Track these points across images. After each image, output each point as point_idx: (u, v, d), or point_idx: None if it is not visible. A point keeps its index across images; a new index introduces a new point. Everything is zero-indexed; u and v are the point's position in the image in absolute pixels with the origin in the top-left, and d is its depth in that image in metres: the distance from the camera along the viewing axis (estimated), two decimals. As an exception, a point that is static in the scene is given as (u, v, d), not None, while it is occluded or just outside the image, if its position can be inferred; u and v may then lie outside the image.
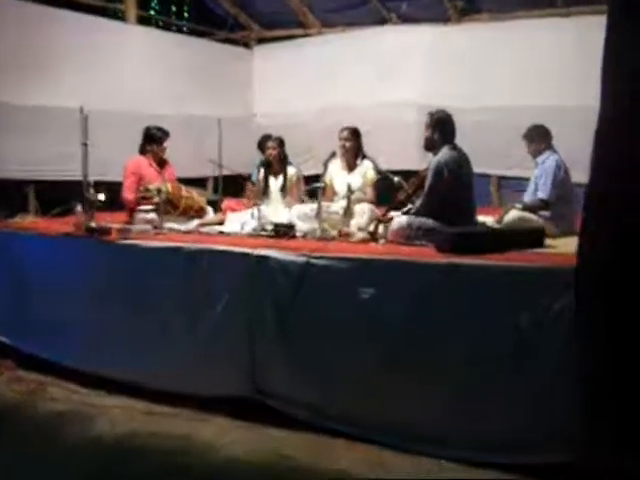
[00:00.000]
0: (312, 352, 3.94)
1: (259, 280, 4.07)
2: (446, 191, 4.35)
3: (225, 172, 6.63)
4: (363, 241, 4.45)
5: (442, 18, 8.14)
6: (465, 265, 3.59)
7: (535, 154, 5.36)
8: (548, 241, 4.35)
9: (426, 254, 3.89)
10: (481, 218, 4.88)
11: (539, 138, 5.33)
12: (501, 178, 7.94)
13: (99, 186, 5.11)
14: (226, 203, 6.48)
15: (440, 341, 3.61)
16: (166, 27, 8.66)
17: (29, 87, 6.32)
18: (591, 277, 2.76)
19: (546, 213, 5.12)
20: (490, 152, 7.01)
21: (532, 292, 3.39)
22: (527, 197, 5.38)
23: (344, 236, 4.56)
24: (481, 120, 7.26)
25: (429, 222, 4.31)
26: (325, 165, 5.12)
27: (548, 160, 5.24)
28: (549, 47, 7.12)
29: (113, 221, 5.41)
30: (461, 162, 4.48)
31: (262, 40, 9.42)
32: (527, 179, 5.60)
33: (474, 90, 7.48)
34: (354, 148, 5.47)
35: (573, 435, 2.88)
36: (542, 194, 5.17)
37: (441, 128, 4.53)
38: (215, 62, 8.48)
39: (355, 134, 5.48)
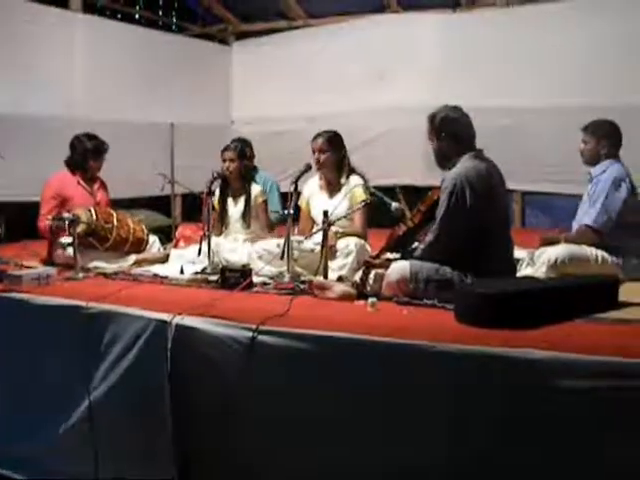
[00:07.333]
0: None
1: (183, 363, 2.65)
2: (469, 221, 2.92)
3: (183, 190, 5.45)
4: (345, 297, 2.99)
5: (451, 4, 6.87)
6: (515, 357, 2.15)
7: (590, 161, 3.85)
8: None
9: (445, 326, 2.45)
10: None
11: (599, 139, 3.79)
12: (525, 193, 6.61)
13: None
14: (180, 231, 5.11)
15: None
16: (125, 18, 7.30)
17: None
18: None
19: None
20: (520, 162, 5.60)
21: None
22: (577, 222, 3.87)
23: (317, 289, 3.09)
24: (503, 124, 5.97)
25: (444, 270, 2.87)
26: (295, 183, 3.61)
27: (606, 173, 3.75)
28: (585, 33, 5.75)
29: (28, 258, 4.26)
30: (490, 176, 3.03)
31: (241, 35, 8.13)
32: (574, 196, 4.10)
33: (491, 88, 6.17)
34: (334, 161, 3.94)
35: None
36: (588, 219, 3.70)
37: (450, 131, 3.08)
38: (185, 60, 7.13)
39: (334, 142, 3.94)
